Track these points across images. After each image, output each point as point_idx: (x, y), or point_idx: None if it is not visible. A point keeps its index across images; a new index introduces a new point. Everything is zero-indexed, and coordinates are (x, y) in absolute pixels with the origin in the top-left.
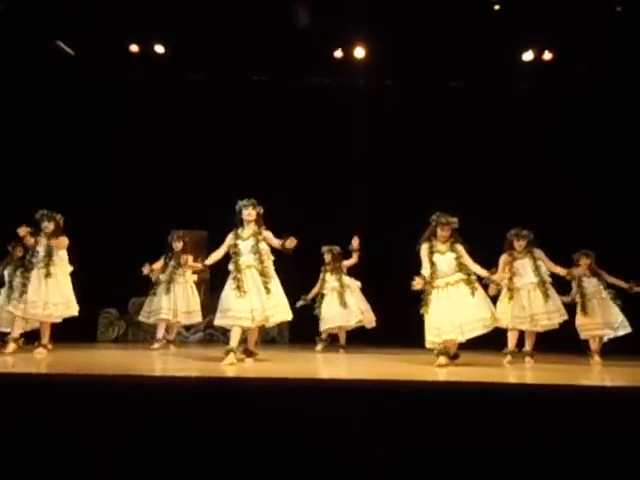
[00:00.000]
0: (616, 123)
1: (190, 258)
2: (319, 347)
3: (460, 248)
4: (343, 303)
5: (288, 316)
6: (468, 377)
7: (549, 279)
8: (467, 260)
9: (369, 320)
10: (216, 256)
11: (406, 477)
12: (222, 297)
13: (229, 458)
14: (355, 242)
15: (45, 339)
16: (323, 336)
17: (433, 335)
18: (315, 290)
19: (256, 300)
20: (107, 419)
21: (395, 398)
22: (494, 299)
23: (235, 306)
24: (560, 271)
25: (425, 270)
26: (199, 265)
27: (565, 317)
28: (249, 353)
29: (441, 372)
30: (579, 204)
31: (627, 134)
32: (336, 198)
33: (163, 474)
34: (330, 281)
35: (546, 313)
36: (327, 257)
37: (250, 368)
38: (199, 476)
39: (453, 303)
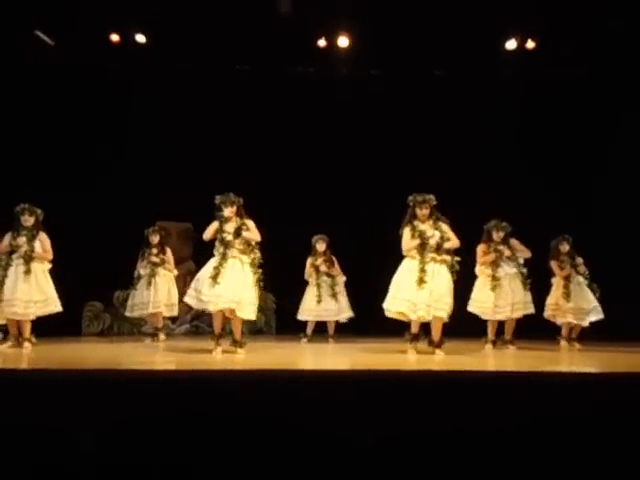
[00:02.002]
0: (601, 110)
1: (169, 251)
2: (305, 340)
3: (445, 227)
4: (335, 297)
5: (253, 316)
6: (451, 366)
7: (525, 270)
8: (451, 235)
9: (349, 314)
10: (208, 232)
11: (394, 463)
12: (199, 277)
13: (218, 450)
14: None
15: (27, 333)
16: (308, 331)
17: (408, 309)
18: (310, 281)
19: (226, 288)
20: (95, 414)
21: (382, 387)
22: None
23: (206, 291)
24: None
25: (409, 244)
26: (174, 271)
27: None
28: (238, 344)
29: (433, 361)
30: (562, 192)
31: (613, 121)
32: (320, 187)
33: (150, 468)
34: (322, 272)
35: (525, 303)
36: (321, 246)
37: (238, 360)
38: (187, 469)
39: (431, 282)
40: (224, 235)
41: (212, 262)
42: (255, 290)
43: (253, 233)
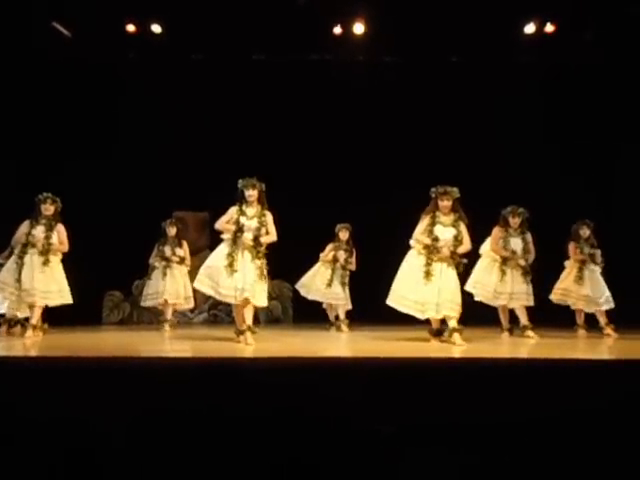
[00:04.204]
0: (620, 97)
1: (185, 244)
2: (333, 330)
3: (462, 227)
4: (344, 286)
5: (265, 303)
6: (468, 353)
7: (528, 266)
8: (465, 239)
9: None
10: (223, 225)
11: (410, 450)
12: (212, 265)
13: (235, 437)
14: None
15: (35, 320)
16: (332, 318)
17: (416, 311)
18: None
19: (241, 280)
20: (116, 402)
21: (399, 375)
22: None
23: (223, 283)
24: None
25: (420, 236)
26: (187, 263)
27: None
28: (250, 330)
29: (448, 349)
30: (582, 177)
31: (632, 110)
32: (337, 174)
33: (169, 456)
34: (341, 260)
35: (523, 294)
36: (344, 235)
37: (259, 348)
38: (206, 455)
39: (439, 280)
40: (242, 222)
41: (223, 249)
42: (265, 278)
43: (271, 235)
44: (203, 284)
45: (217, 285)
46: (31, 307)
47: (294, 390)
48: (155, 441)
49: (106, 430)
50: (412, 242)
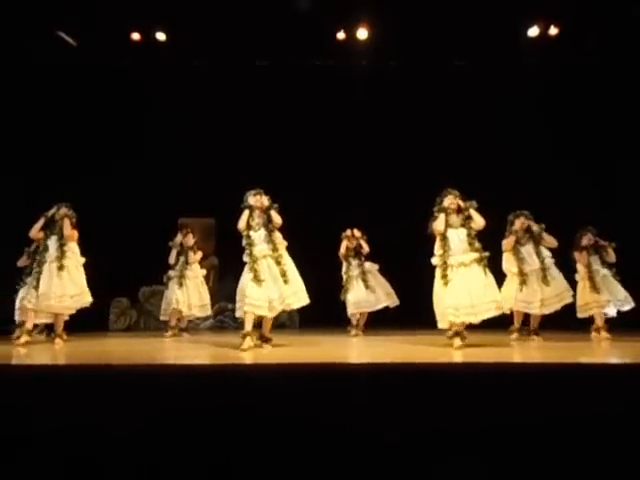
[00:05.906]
0: (623, 96)
1: (199, 253)
2: (353, 332)
3: (471, 213)
4: (368, 287)
5: (306, 301)
6: (480, 358)
7: (552, 260)
8: (475, 216)
9: (393, 300)
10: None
11: (420, 457)
12: (239, 287)
13: (246, 444)
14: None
15: (60, 330)
16: (354, 321)
17: (450, 315)
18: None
19: (273, 289)
20: (125, 409)
21: (411, 380)
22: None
23: (252, 294)
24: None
25: (437, 251)
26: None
27: (572, 294)
28: (265, 339)
29: (456, 353)
30: (585, 182)
31: (636, 109)
32: (342, 181)
33: (177, 462)
34: (354, 266)
35: (557, 296)
36: (350, 242)
37: (266, 354)
38: (214, 462)
39: (467, 283)
40: (252, 235)
41: (246, 268)
42: (294, 277)
43: (277, 216)
44: (238, 309)
45: (246, 297)
46: (55, 316)
47: (303, 397)
48: (164, 449)
49: (114, 437)
50: (433, 260)
